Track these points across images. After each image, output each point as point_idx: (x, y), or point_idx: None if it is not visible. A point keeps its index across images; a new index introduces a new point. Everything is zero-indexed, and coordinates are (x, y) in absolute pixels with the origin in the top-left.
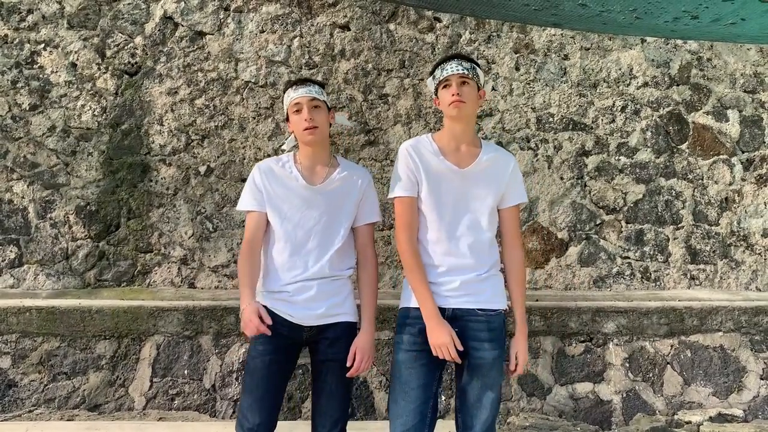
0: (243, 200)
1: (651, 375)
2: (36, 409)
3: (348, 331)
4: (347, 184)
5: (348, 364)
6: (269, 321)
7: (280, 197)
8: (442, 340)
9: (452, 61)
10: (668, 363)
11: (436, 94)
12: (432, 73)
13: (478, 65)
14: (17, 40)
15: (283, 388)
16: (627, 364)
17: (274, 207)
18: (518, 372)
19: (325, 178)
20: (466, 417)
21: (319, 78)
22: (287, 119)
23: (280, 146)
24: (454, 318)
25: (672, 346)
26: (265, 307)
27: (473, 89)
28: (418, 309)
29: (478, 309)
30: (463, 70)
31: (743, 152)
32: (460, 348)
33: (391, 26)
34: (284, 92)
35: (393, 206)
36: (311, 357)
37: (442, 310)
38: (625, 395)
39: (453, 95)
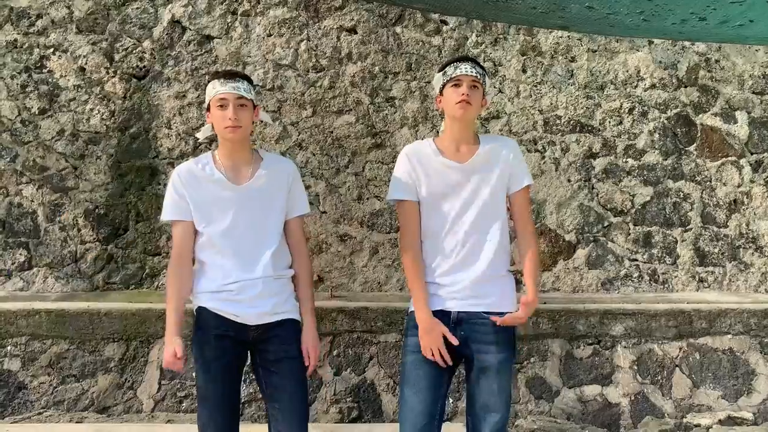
0: (166, 210)
1: (659, 378)
2: (45, 411)
3: (295, 328)
4: (273, 178)
5: (306, 363)
6: (184, 358)
7: (206, 202)
8: (428, 342)
9: (467, 62)
10: (677, 366)
11: (440, 92)
12: (442, 69)
13: (487, 73)
14: (27, 44)
15: (238, 390)
16: (635, 367)
17: (201, 213)
18: (504, 320)
19: (249, 176)
20: (476, 421)
21: (326, 81)
22: (208, 109)
23: (196, 133)
24: (460, 321)
25: (680, 348)
26: (205, 308)
27: (480, 95)
28: None
29: (484, 312)
30: (476, 74)
31: (752, 154)
32: (455, 342)
33: (398, 29)
34: (209, 81)
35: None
36: (259, 359)
37: (447, 314)
38: (633, 398)
39: (462, 95)
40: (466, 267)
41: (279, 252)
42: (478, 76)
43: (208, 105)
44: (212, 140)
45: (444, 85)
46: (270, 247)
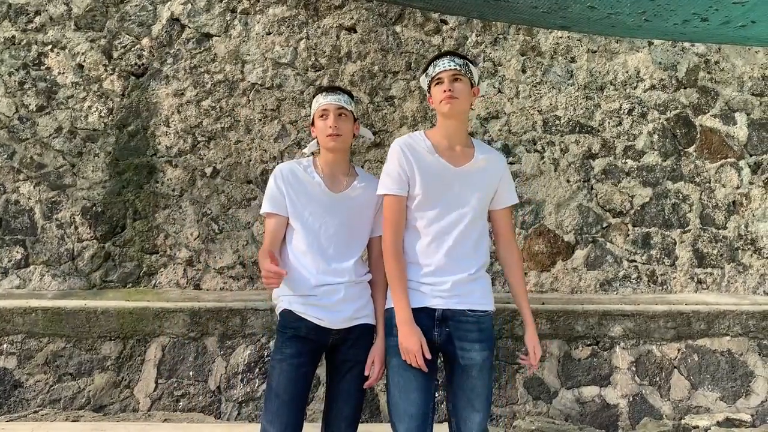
0: (265, 203)
1: (658, 379)
2: (41, 409)
3: (368, 333)
4: (366, 194)
5: (366, 373)
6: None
7: (302, 202)
8: (409, 347)
9: (444, 57)
10: (675, 367)
11: (429, 92)
12: (425, 70)
13: (471, 62)
14: (25, 41)
15: (308, 392)
16: (634, 368)
17: (296, 212)
18: (536, 364)
19: (346, 186)
20: (459, 420)
21: (325, 80)
22: (312, 123)
23: (301, 150)
24: (444, 319)
25: (679, 350)
26: (291, 311)
27: (466, 86)
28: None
29: (468, 310)
30: (455, 66)
31: (751, 155)
32: (428, 356)
33: (398, 28)
34: (314, 97)
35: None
36: (329, 358)
37: (432, 311)
38: (631, 399)
39: (444, 91)
40: (452, 268)
41: (360, 261)
42: (458, 68)
43: (313, 119)
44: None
45: (429, 86)
46: (355, 255)
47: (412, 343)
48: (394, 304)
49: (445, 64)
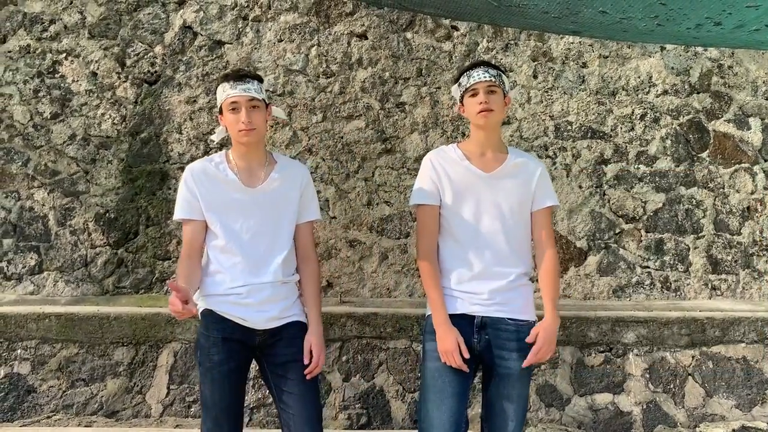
0: (177, 209)
1: (672, 386)
2: (54, 415)
3: (301, 330)
4: (288, 182)
5: (306, 361)
6: (191, 306)
7: (218, 203)
8: (447, 347)
9: (479, 68)
10: (689, 374)
11: (461, 102)
12: (457, 80)
13: (503, 72)
14: (39, 49)
15: (243, 395)
16: (647, 375)
17: (213, 213)
18: (530, 359)
19: (263, 179)
20: (493, 428)
21: (337, 87)
22: (220, 112)
23: (209, 137)
24: (483, 326)
25: (693, 357)
26: (212, 311)
27: (500, 97)
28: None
29: (509, 318)
30: (490, 77)
31: (765, 161)
32: (466, 355)
33: (409, 35)
34: (219, 84)
35: (410, 215)
36: (265, 363)
37: (471, 318)
38: (645, 406)
39: (481, 104)
40: (491, 275)
41: (289, 257)
42: (493, 79)
43: (221, 108)
44: (222, 145)
45: (462, 96)
46: (281, 252)
47: (449, 342)
48: (430, 309)
49: (480, 75)
